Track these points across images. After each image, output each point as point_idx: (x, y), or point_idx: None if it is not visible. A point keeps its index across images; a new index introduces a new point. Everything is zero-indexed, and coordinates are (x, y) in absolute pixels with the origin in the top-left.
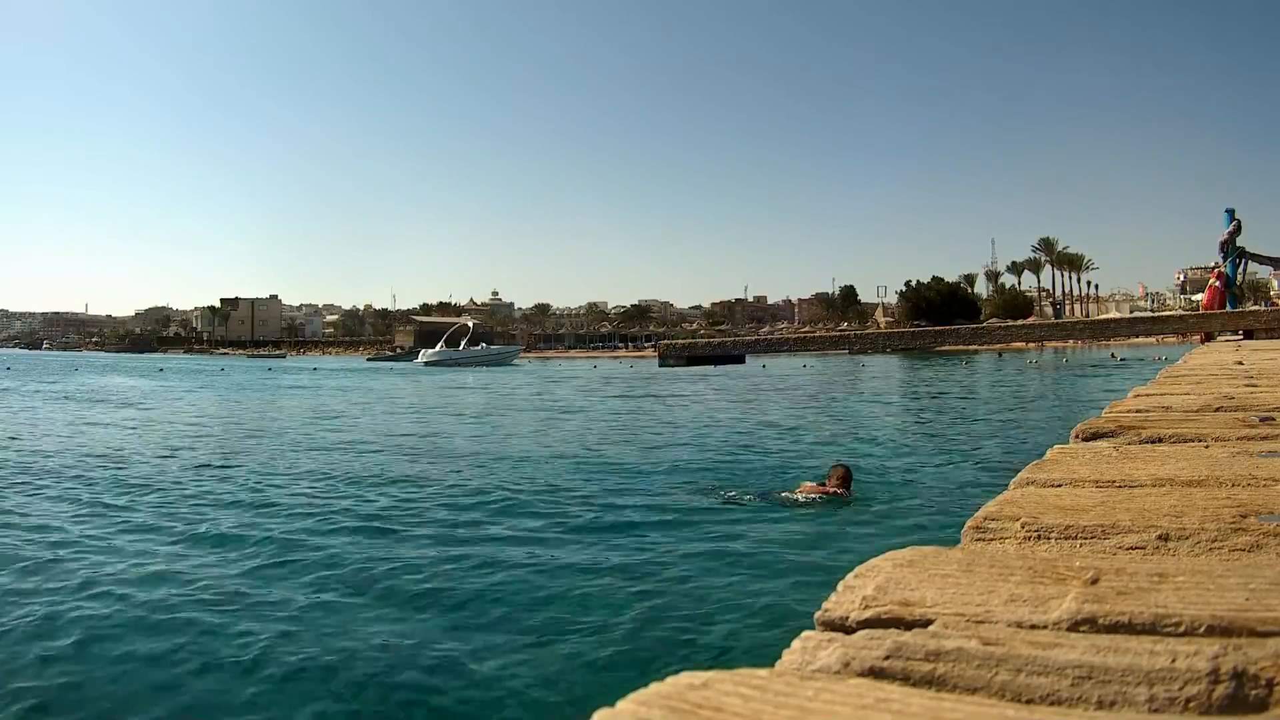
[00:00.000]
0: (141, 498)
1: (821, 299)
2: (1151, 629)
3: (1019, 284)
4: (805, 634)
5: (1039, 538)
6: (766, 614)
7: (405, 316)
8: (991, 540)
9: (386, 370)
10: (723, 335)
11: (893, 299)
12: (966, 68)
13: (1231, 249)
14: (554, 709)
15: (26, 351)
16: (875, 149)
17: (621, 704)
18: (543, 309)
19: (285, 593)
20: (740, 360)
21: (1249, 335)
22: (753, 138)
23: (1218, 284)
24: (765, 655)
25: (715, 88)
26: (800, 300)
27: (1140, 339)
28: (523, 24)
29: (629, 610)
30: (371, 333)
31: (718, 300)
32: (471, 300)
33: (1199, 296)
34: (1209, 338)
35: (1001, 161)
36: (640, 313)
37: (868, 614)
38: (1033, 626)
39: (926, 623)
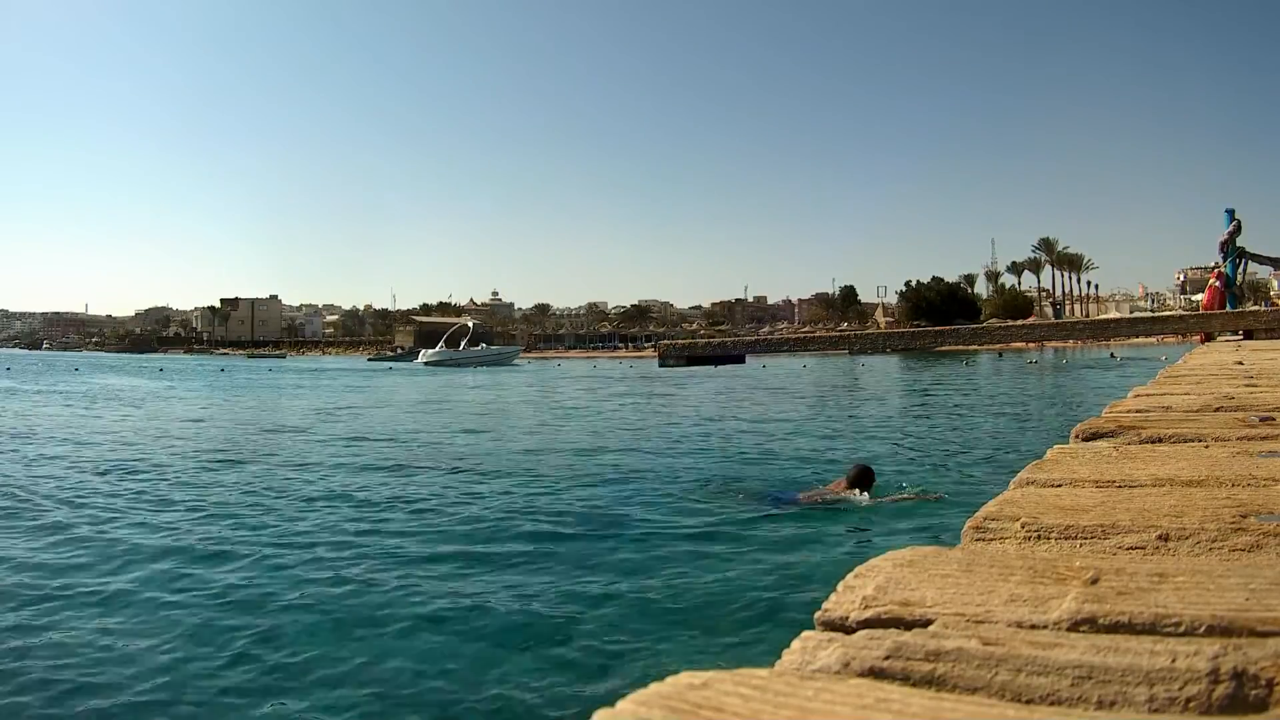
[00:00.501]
0: (151, 494)
1: (821, 299)
2: (1151, 629)
3: (1019, 284)
4: (805, 634)
5: (1039, 538)
6: (766, 614)
7: (405, 316)
8: (991, 540)
9: (386, 370)
10: (723, 335)
11: (893, 299)
12: (966, 67)
13: (1231, 249)
14: (554, 708)
15: (27, 352)
16: (875, 149)
17: (621, 704)
18: (543, 309)
19: (285, 590)
20: (740, 360)
21: (1249, 335)
22: (753, 137)
23: (1218, 284)
24: (765, 655)
25: (715, 87)
26: (800, 300)
27: (1140, 339)
28: (522, 23)
29: (629, 609)
30: (371, 333)
31: (718, 300)
32: (471, 300)
33: (1199, 296)
34: (1209, 338)
35: (1001, 161)
36: (640, 313)
37: (868, 614)
38: (1033, 626)
39: (926, 623)
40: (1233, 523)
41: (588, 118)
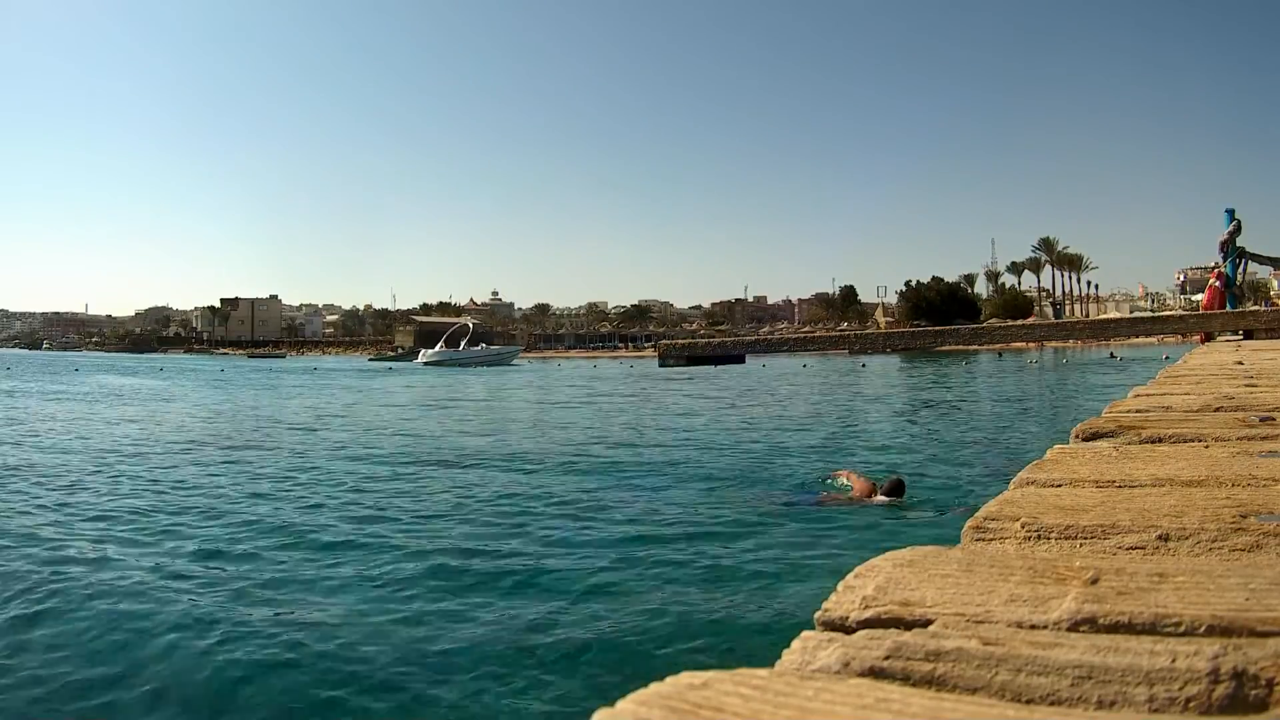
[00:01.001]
0: (159, 492)
1: (821, 299)
2: (1151, 629)
3: (1019, 284)
4: (805, 634)
5: (1039, 538)
6: (766, 614)
7: (405, 316)
8: (991, 540)
9: (386, 370)
10: (723, 335)
11: (893, 299)
12: (966, 67)
13: (1231, 249)
14: (554, 707)
15: (27, 352)
16: (875, 149)
17: (621, 704)
18: (543, 309)
19: (285, 587)
20: (740, 360)
21: (1249, 335)
22: (753, 137)
23: (1218, 284)
24: (765, 655)
25: (715, 87)
26: (800, 300)
27: (1140, 339)
28: (522, 23)
29: (629, 609)
30: (371, 333)
31: (718, 300)
32: (471, 300)
33: (1199, 296)
34: (1209, 338)
35: (1001, 161)
36: (640, 313)
37: (868, 614)
38: (1033, 626)
39: (926, 623)
40: (1233, 523)
41: (588, 118)
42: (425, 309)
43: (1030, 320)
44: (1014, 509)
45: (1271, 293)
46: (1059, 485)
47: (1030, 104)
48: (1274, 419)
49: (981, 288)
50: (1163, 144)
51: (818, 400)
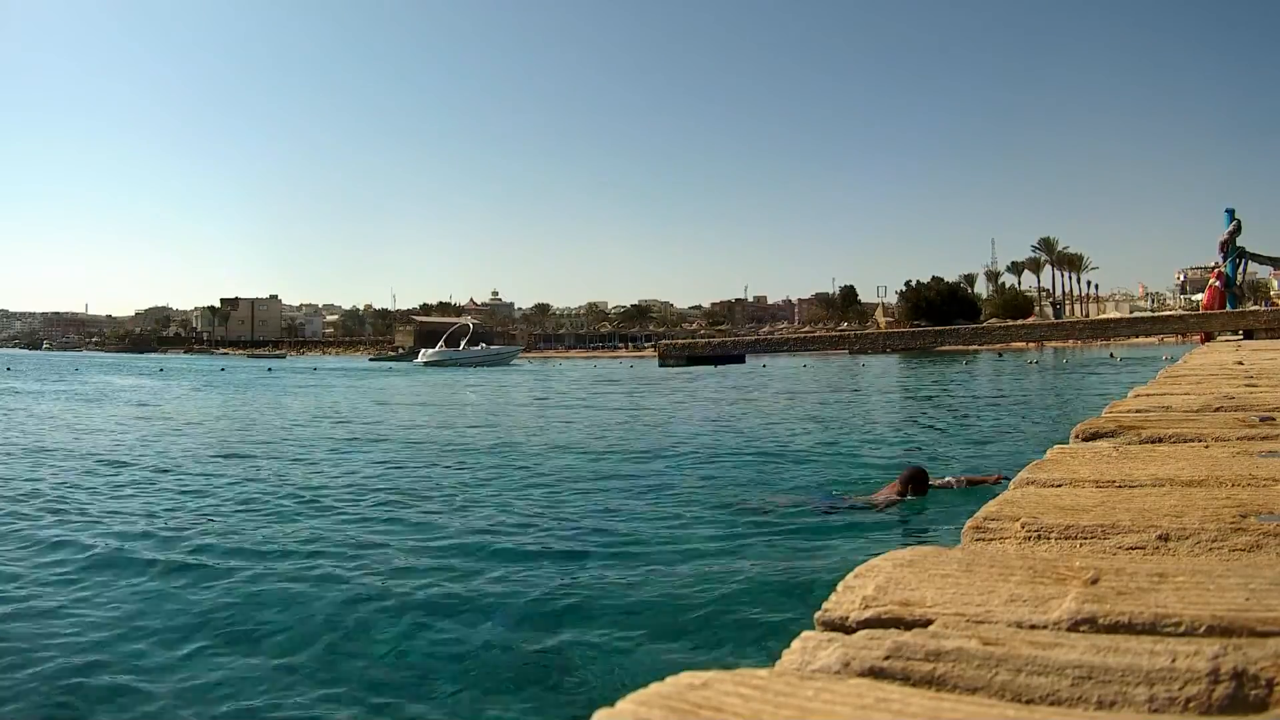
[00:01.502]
0: (146, 489)
1: (821, 299)
2: (1151, 629)
3: (1019, 284)
4: (805, 634)
5: (1039, 538)
6: (766, 614)
7: (405, 316)
8: (991, 540)
9: (386, 370)
10: (723, 335)
11: (893, 299)
12: (966, 67)
13: (1231, 249)
14: (554, 707)
15: (27, 351)
16: (875, 149)
17: (621, 704)
18: (543, 309)
19: (282, 586)
20: (740, 360)
21: (1249, 335)
22: (753, 137)
23: (1218, 284)
24: (765, 655)
25: (715, 87)
26: (800, 300)
27: (1140, 339)
28: (522, 23)
29: (628, 608)
30: (371, 333)
31: (718, 300)
32: (471, 300)
33: (1199, 296)
34: (1209, 338)
35: (1001, 161)
36: (640, 313)
37: (868, 614)
38: (1033, 626)
39: (926, 623)
40: (1233, 523)
41: (588, 117)
42: (425, 309)
43: (1030, 320)
44: (1014, 509)
45: (1271, 293)
46: (1059, 485)
47: (1030, 104)
48: (1274, 419)
49: (981, 288)
50: (1163, 144)
51: (817, 400)
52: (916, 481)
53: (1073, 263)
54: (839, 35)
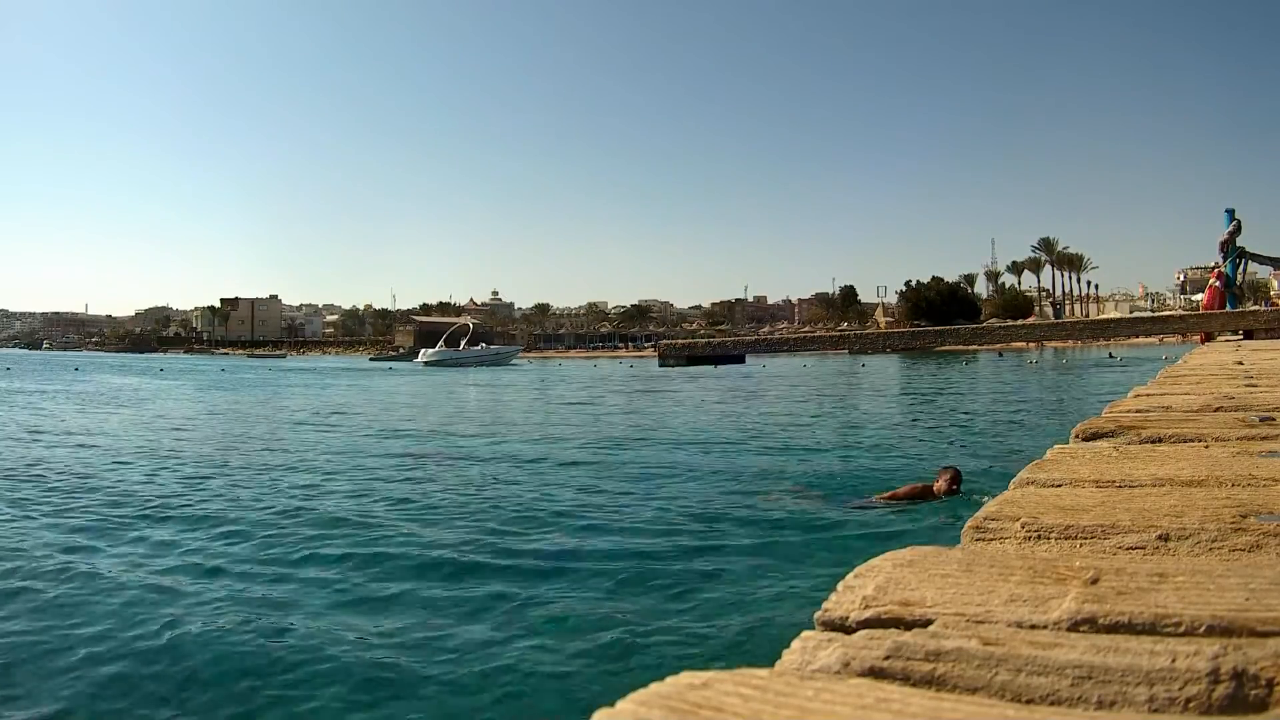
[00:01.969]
0: (147, 489)
1: (821, 299)
2: (1151, 629)
3: (1019, 284)
4: (805, 634)
5: (1039, 538)
6: (766, 614)
7: (405, 316)
8: (991, 540)
9: (386, 370)
10: (723, 335)
11: (893, 299)
12: (967, 67)
13: (1231, 249)
14: (553, 707)
15: (27, 351)
16: (875, 149)
17: (621, 703)
18: (543, 309)
19: (281, 586)
20: (740, 360)
21: (1249, 335)
22: (752, 137)
23: (1218, 284)
24: (765, 655)
25: (715, 87)
26: (800, 300)
27: (1140, 339)
28: (522, 23)
29: (628, 608)
30: (371, 333)
31: (718, 300)
32: (471, 300)
33: (1199, 296)
34: (1209, 338)
35: (1001, 161)
36: (640, 313)
37: (868, 614)
38: (1033, 626)
39: (926, 623)
40: (1233, 523)
41: (588, 118)
42: (425, 309)
43: (1030, 320)
44: (1014, 509)
45: (1271, 293)
46: (1059, 485)
47: (1030, 104)
48: (1274, 419)
49: (981, 288)
50: (1163, 144)
51: (818, 400)
52: (957, 479)
53: (1073, 263)
54: (839, 35)
